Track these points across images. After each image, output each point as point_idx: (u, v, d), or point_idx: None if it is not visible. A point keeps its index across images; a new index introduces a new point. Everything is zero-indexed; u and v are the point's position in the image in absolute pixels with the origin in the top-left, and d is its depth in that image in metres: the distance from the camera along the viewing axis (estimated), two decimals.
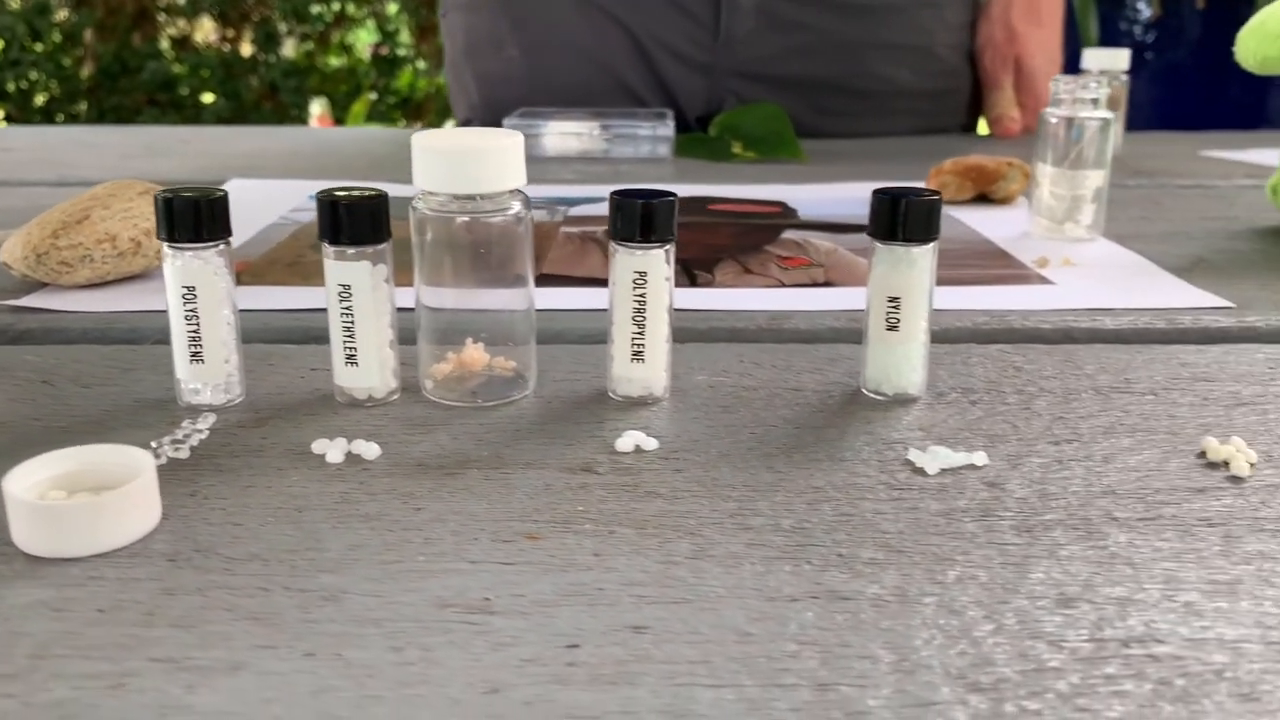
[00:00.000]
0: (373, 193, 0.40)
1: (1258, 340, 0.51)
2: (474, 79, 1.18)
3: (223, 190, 0.41)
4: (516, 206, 0.41)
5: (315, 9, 4.04)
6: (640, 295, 0.41)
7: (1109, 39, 2.13)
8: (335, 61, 4.20)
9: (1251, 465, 0.38)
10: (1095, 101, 0.67)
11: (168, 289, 0.41)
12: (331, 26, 4.16)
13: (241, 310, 0.53)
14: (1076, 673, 0.27)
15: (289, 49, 4.16)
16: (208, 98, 4.05)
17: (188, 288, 0.40)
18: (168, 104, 3.98)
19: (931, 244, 0.41)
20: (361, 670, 0.27)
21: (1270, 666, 0.27)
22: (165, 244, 0.40)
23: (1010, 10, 1.16)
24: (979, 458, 0.38)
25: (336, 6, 4.11)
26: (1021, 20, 1.16)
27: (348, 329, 0.41)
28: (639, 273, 0.41)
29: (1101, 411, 0.42)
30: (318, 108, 4.05)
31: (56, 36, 3.86)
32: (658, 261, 0.41)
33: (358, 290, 0.40)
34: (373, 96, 4.08)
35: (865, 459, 0.38)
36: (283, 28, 4.13)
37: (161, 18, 4.11)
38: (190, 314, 0.41)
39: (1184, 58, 2.15)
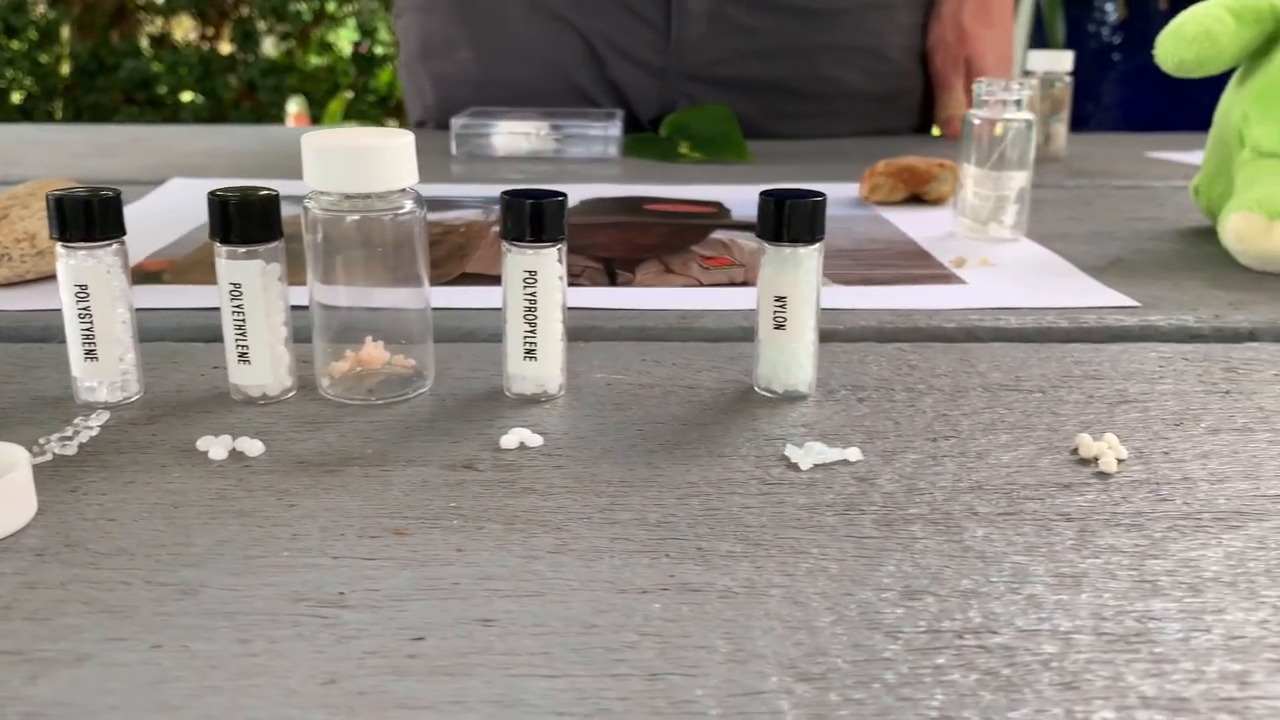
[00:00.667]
0: (264, 192, 0.41)
1: (1156, 339, 0.52)
2: (428, 80, 1.19)
3: (115, 190, 0.41)
4: (409, 205, 0.42)
5: (295, 7, 4.04)
6: (531, 294, 0.42)
7: (1076, 41, 2.14)
8: (315, 60, 4.19)
9: (1120, 462, 0.38)
10: (1018, 103, 0.68)
11: (61, 288, 0.41)
12: (311, 25, 4.16)
13: (157, 309, 0.54)
14: (906, 663, 0.28)
15: (269, 47, 4.16)
16: (186, 96, 4.04)
17: (80, 286, 0.41)
18: (146, 102, 3.97)
19: (816, 245, 0.42)
20: (205, 662, 0.27)
21: (1097, 657, 0.28)
22: (58, 243, 0.41)
23: (961, 11, 1.17)
24: (853, 453, 0.38)
25: (316, 4, 4.10)
26: (972, 21, 1.17)
27: (239, 327, 0.41)
28: (529, 272, 0.42)
29: (986, 409, 0.43)
30: (295, 106, 4.04)
31: (33, 34, 3.84)
32: (549, 260, 0.42)
33: (248, 289, 0.41)
34: (350, 95, 4.07)
35: (744, 454, 0.39)
36: (262, 26, 4.12)
37: (140, 15, 4.10)
38: (84, 312, 0.41)
39: (1149, 60, 2.17)
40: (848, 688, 0.27)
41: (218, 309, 0.51)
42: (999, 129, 0.68)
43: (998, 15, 1.18)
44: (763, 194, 0.42)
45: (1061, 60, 1.02)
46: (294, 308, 0.43)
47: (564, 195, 0.42)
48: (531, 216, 0.41)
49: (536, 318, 0.42)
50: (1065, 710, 0.26)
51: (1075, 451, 0.39)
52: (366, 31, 4.17)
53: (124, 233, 0.41)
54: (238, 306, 0.41)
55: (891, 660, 0.28)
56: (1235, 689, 0.27)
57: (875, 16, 1.13)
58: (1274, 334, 0.52)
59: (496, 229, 0.71)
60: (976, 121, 0.69)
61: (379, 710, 0.26)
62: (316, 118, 3.96)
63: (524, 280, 0.42)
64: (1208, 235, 0.71)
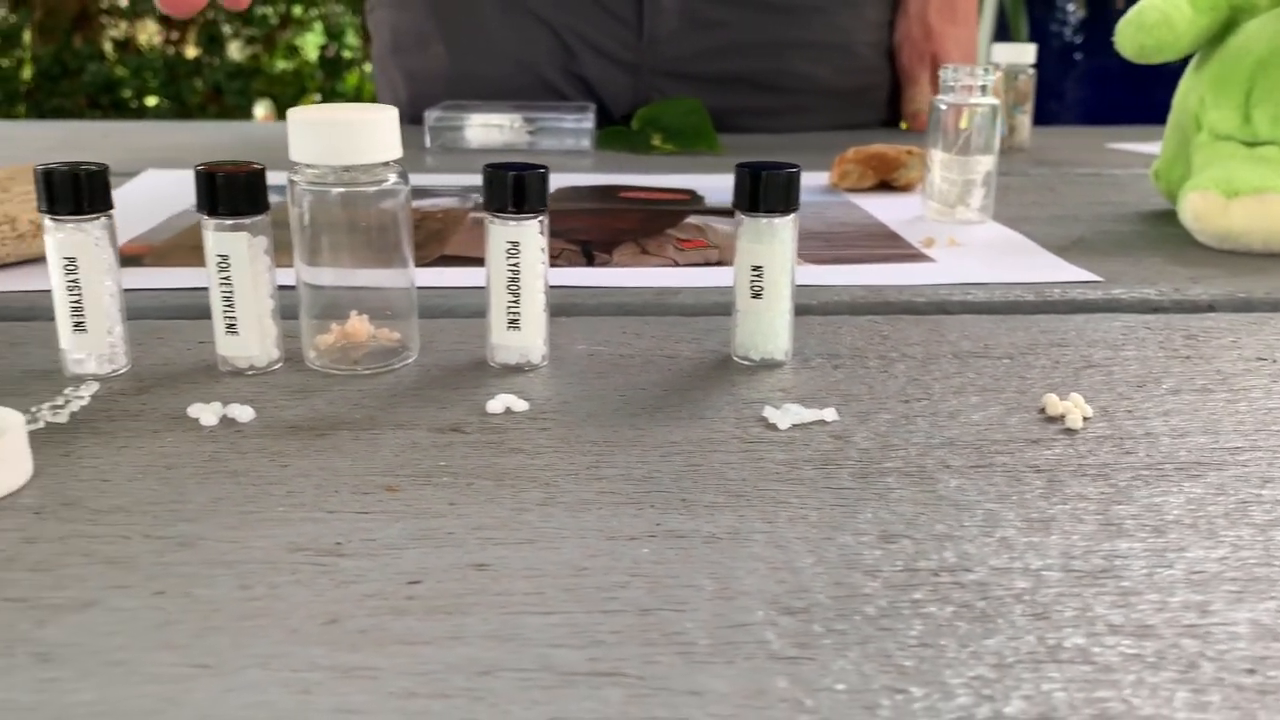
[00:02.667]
0: (251, 165, 0.42)
1: (1118, 310, 0.53)
2: (400, 75, 1.19)
3: (102, 164, 0.42)
4: (393, 179, 0.43)
5: (260, 11, 4.02)
6: (514, 265, 0.43)
7: (1039, 40, 2.17)
8: (282, 64, 4.18)
9: (1086, 419, 0.40)
10: (984, 89, 0.70)
11: (49, 261, 0.42)
12: (278, 29, 4.14)
13: (139, 290, 0.54)
14: (885, 598, 0.29)
15: (234, 51, 4.14)
16: (151, 100, 4.02)
17: (69, 259, 0.41)
18: (109, 106, 3.94)
19: (791, 215, 0.43)
20: (207, 606, 0.28)
21: (1066, 591, 0.29)
22: (46, 216, 0.41)
23: (927, 8, 1.19)
24: (829, 414, 0.40)
25: (282, 9, 4.09)
26: (938, 18, 1.19)
27: (227, 298, 0.42)
28: (512, 243, 0.43)
29: (956, 374, 0.45)
30: (262, 110, 4.03)
31: None
32: (531, 232, 0.43)
33: (235, 260, 0.42)
34: (317, 98, 4.06)
35: (724, 416, 0.40)
36: (227, 30, 4.10)
37: (104, 19, 4.07)
38: (72, 284, 0.42)
39: (1110, 58, 2.21)
40: (830, 619, 0.28)
41: (199, 289, 0.52)
42: (965, 117, 0.69)
43: (963, 14, 1.21)
44: (739, 166, 0.43)
45: (1025, 53, 1.04)
46: (280, 288, 0.44)
47: (545, 168, 0.43)
48: (514, 188, 0.42)
49: (520, 288, 0.43)
50: (1038, 637, 0.27)
51: (1042, 410, 0.41)
52: (334, 35, 4.16)
53: (111, 206, 0.42)
54: (225, 278, 0.42)
55: (871, 595, 0.29)
56: (1197, 617, 0.28)
57: (844, 14, 1.15)
58: (1232, 305, 0.54)
59: (474, 214, 0.72)
60: (943, 107, 0.70)
61: (379, 646, 0.26)
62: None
63: (507, 251, 0.43)
64: (1167, 217, 0.73)
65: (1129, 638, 0.27)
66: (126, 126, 1.29)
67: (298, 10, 4.15)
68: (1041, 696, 0.25)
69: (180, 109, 3.92)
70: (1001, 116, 0.70)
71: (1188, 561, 0.31)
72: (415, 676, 0.25)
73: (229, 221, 0.41)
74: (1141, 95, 2.08)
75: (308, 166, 0.42)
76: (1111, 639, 0.27)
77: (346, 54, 4.17)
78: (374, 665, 0.26)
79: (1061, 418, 0.40)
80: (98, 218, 0.42)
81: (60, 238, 0.41)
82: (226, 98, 3.99)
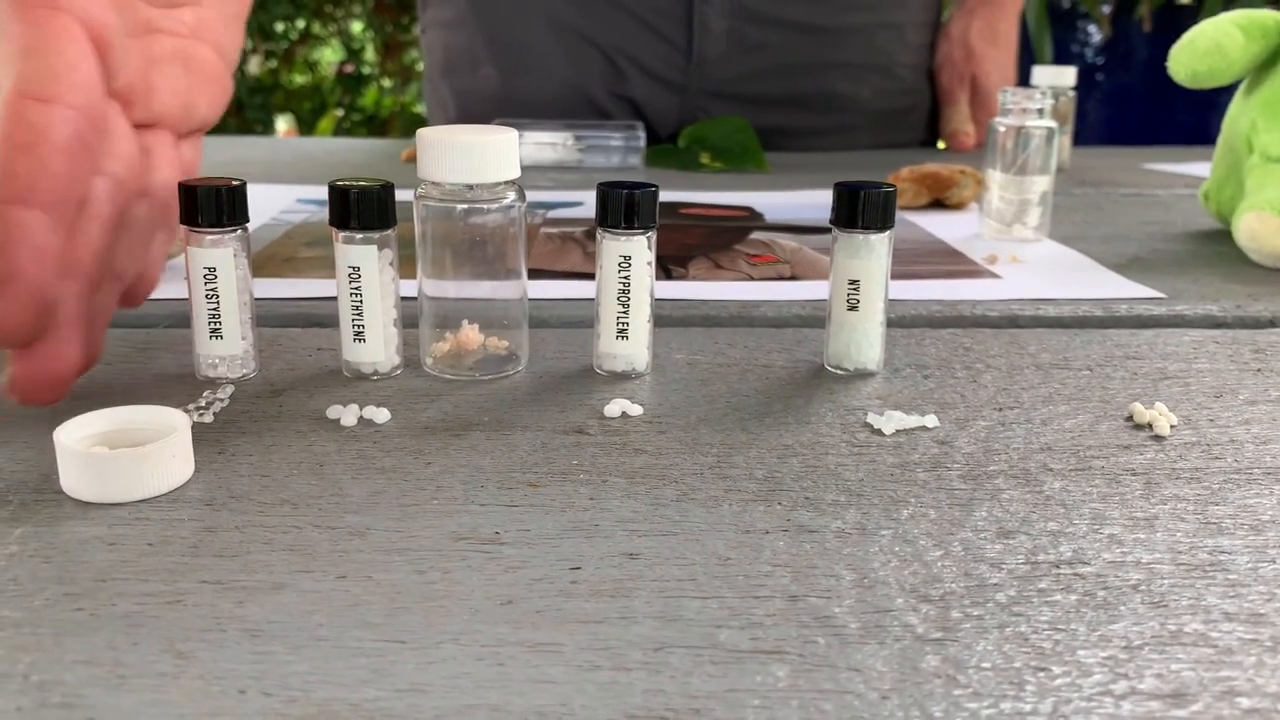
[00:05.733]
0: (380, 183, 0.44)
1: (1185, 325, 0.56)
2: (451, 95, 1.22)
3: (241, 180, 0.44)
4: (511, 197, 0.45)
5: (280, 26, 4.07)
6: (625, 278, 0.45)
7: (1061, 61, 2.20)
8: (300, 79, 4.22)
9: (1172, 427, 0.42)
10: (1040, 112, 0.72)
11: (190, 270, 0.44)
12: (296, 44, 4.19)
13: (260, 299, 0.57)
14: (1014, 587, 0.31)
15: (254, 66, 4.18)
16: None
17: (209, 269, 0.44)
18: None
19: (887, 232, 0.45)
20: (390, 588, 0.30)
21: (1179, 582, 0.32)
22: (188, 228, 0.44)
23: (969, 31, 1.22)
24: (930, 420, 0.42)
25: (301, 24, 4.14)
26: (979, 40, 1.22)
27: (356, 308, 0.45)
28: (624, 257, 0.45)
29: (1041, 384, 0.47)
30: (284, 124, 4.07)
31: None
32: (640, 247, 0.45)
33: (365, 272, 0.44)
34: (339, 113, 4.10)
35: (829, 422, 0.42)
36: (248, 44, 4.15)
37: None
38: (211, 293, 0.44)
39: (1132, 79, 2.24)
40: (966, 606, 0.30)
41: (304, 299, 0.55)
42: (1020, 137, 0.72)
43: (1003, 37, 1.23)
44: (837, 185, 0.46)
45: (1065, 75, 1.06)
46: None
47: (655, 186, 0.45)
48: (626, 206, 0.45)
49: (629, 299, 0.46)
50: (1160, 623, 0.29)
51: (1130, 419, 0.43)
52: (353, 52, 4.20)
53: (248, 220, 0.45)
54: (355, 288, 0.44)
55: (1000, 585, 0.31)
56: None
57: (885, 36, 1.18)
58: None
59: (547, 230, 0.75)
60: (1001, 129, 0.73)
61: (557, 624, 0.29)
62: (306, 135, 3.98)
63: (619, 265, 0.45)
64: (1217, 237, 0.75)
65: (1243, 624, 0.30)
66: None
67: (315, 26, 4.19)
68: (1172, 675, 0.27)
69: None
70: (1060, 140, 0.72)
71: None
72: (597, 651, 0.28)
73: (359, 235, 0.44)
74: (1162, 116, 2.11)
75: (434, 184, 0.45)
76: (1227, 625, 0.29)
77: (365, 69, 4.21)
78: (557, 641, 0.28)
79: (1149, 425, 0.42)
80: (235, 230, 0.44)
81: (201, 249, 0.44)
82: (248, 112, 4.03)
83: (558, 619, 0.29)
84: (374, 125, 4.15)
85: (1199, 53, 0.69)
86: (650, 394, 0.45)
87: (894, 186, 0.45)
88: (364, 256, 0.44)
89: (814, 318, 0.56)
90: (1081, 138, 2.22)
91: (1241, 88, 0.74)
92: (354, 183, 0.44)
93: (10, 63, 0.37)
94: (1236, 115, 0.74)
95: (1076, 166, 1.10)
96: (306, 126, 4.08)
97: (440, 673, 0.27)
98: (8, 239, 0.35)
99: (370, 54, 4.21)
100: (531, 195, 0.87)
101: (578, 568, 0.32)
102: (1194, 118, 2.00)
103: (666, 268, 0.65)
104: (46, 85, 0.37)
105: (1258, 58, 0.70)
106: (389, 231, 0.45)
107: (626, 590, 0.30)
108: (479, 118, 1.16)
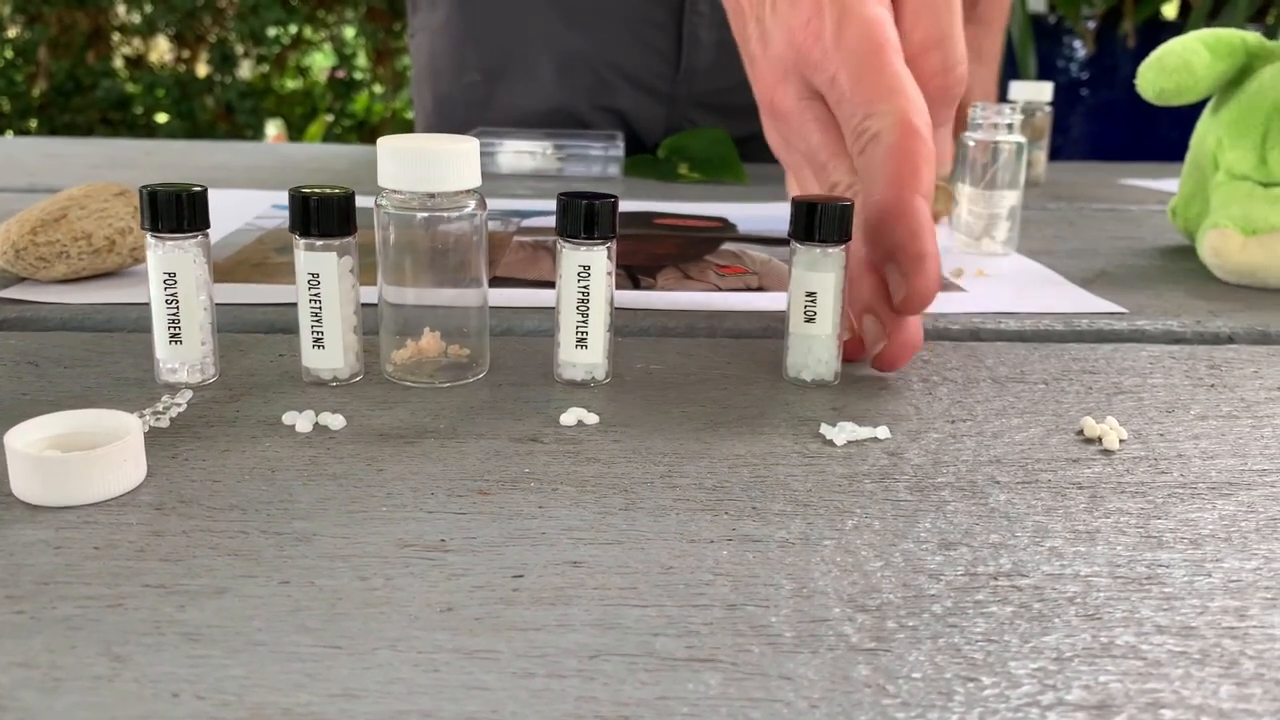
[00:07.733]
0: (341, 190, 0.44)
1: (1145, 341, 0.56)
2: (433, 100, 1.22)
3: (202, 186, 0.44)
4: (471, 206, 0.46)
5: (272, 31, 4.07)
6: (584, 287, 0.46)
7: (1045, 76, 2.22)
8: (291, 84, 4.22)
9: (1121, 441, 0.43)
10: (1010, 127, 0.73)
11: (150, 275, 0.44)
12: (288, 49, 4.19)
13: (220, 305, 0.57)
14: (950, 598, 0.31)
15: (245, 70, 4.18)
16: (161, 117, 4.05)
17: (169, 274, 0.44)
18: (120, 123, 3.98)
19: (843, 245, 0.46)
20: (331, 595, 0.31)
21: (1115, 595, 0.32)
22: (149, 233, 0.44)
23: None
24: (882, 431, 0.42)
25: (293, 29, 4.14)
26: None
27: (315, 314, 0.45)
28: (583, 266, 0.45)
29: (996, 397, 0.47)
30: (273, 129, 4.07)
31: (9, 53, 3.85)
32: (600, 257, 0.45)
33: (325, 278, 0.44)
34: (329, 119, 4.10)
35: (782, 433, 0.43)
36: (239, 49, 4.15)
37: (116, 36, 4.11)
38: (170, 298, 0.44)
39: (1116, 94, 2.25)
40: (902, 617, 0.30)
41: (270, 304, 0.55)
42: (989, 151, 0.72)
43: (987, 54, 1.24)
44: (795, 199, 0.46)
45: (1042, 90, 1.07)
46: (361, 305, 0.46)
47: (615, 197, 0.45)
48: (586, 216, 0.45)
49: (589, 308, 0.46)
50: (1092, 635, 0.30)
51: (1080, 433, 0.44)
52: (344, 57, 4.20)
53: (209, 225, 0.45)
54: (314, 295, 0.45)
55: (937, 596, 0.32)
56: (1235, 620, 0.31)
57: None
58: (1251, 337, 0.57)
59: (520, 238, 0.75)
60: (971, 144, 0.73)
61: (495, 631, 0.29)
62: (295, 140, 3.98)
63: (578, 274, 0.45)
64: (1184, 253, 0.76)
65: (1175, 637, 0.30)
66: (167, 146, 1.32)
67: (307, 31, 4.20)
68: (1099, 686, 0.28)
69: (191, 127, 3.96)
70: (1036, 155, 0.73)
71: (1224, 571, 0.33)
72: (532, 659, 0.28)
73: (319, 242, 0.44)
74: (1145, 131, 2.12)
75: (394, 192, 0.45)
76: (1159, 638, 0.30)
77: (357, 75, 4.21)
78: (494, 648, 0.28)
79: (1099, 439, 0.43)
80: (196, 236, 0.44)
81: (160, 254, 0.44)
82: (238, 116, 4.03)
83: (496, 626, 0.29)
84: (364, 131, 4.15)
85: (1166, 70, 0.70)
86: (607, 403, 0.45)
87: (852, 202, 0.46)
88: (323, 263, 0.44)
89: (776, 329, 0.56)
90: (1065, 153, 2.24)
91: (1209, 106, 0.75)
92: (315, 189, 0.44)
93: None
94: (1204, 133, 0.74)
95: (1052, 181, 1.10)
96: (297, 132, 4.08)
97: (375, 678, 0.27)
98: (921, 226, 0.45)
99: (362, 60, 4.21)
100: (508, 203, 0.88)
101: (520, 575, 0.32)
102: (1177, 134, 2.00)
103: (636, 277, 0.66)
104: (922, 114, 0.46)
105: (1224, 76, 0.71)
106: (349, 239, 0.45)
107: (567, 598, 0.31)
108: (460, 124, 1.16)
